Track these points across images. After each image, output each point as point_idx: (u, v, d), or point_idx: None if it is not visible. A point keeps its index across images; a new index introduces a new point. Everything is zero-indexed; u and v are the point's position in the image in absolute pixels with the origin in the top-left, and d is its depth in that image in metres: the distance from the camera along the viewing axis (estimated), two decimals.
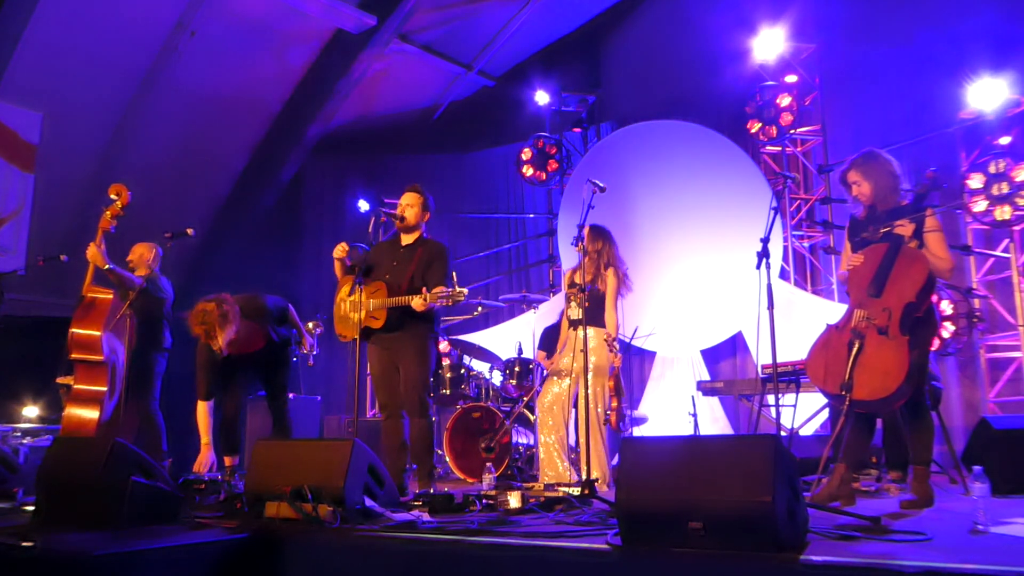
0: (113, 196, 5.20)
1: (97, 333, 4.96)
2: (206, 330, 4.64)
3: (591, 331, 4.87)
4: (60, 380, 5.14)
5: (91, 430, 4.86)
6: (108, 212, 5.17)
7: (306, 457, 3.49)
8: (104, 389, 4.98)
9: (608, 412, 4.85)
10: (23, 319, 7.61)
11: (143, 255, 5.58)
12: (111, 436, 4.51)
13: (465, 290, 4.40)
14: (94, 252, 5.04)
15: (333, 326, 4.84)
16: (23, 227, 8.02)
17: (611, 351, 4.92)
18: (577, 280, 4.94)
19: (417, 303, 4.37)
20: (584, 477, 4.01)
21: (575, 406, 5.08)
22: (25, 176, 7.99)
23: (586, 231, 4.99)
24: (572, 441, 5.31)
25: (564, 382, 5.10)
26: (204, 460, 4.78)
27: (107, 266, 5.05)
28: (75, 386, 4.96)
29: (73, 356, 4.97)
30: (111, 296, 5.09)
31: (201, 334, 4.68)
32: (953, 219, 6.60)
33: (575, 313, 5.06)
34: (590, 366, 4.89)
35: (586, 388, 4.45)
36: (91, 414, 4.91)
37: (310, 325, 6.52)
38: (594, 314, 4.96)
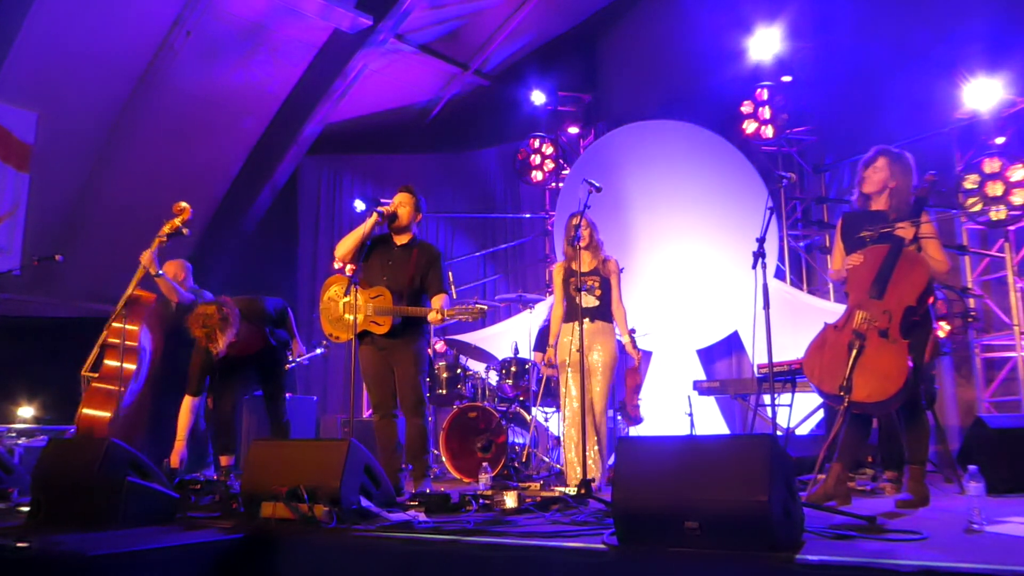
0: (176, 212, 5.40)
1: (135, 328, 5.26)
2: (207, 333, 4.66)
3: (601, 325, 4.87)
4: (86, 372, 5.22)
5: (111, 409, 5.05)
6: (167, 225, 5.36)
7: (302, 457, 3.49)
8: (132, 368, 5.21)
9: (624, 402, 4.83)
10: (18, 319, 7.59)
11: (176, 274, 5.73)
12: (121, 433, 4.75)
13: (484, 306, 4.47)
14: (149, 259, 5.25)
15: (322, 326, 4.81)
16: (18, 227, 8.00)
17: (635, 346, 4.95)
18: (575, 268, 4.87)
19: (434, 318, 4.40)
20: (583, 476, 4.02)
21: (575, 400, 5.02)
22: (20, 176, 7.97)
23: (584, 221, 4.94)
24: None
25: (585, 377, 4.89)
26: (177, 453, 4.84)
27: (157, 272, 5.28)
28: (107, 362, 5.17)
29: (110, 340, 5.20)
30: (155, 298, 5.38)
31: (202, 337, 4.70)
32: (948, 219, 6.62)
33: (588, 301, 4.88)
34: (599, 362, 4.87)
35: (582, 384, 4.45)
36: (113, 394, 5.10)
37: (318, 350, 6.51)
38: (606, 305, 4.93)
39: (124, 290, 5.34)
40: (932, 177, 3.80)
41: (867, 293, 3.65)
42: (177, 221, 5.35)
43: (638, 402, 5.52)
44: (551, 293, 8.89)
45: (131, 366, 5.22)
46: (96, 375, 5.17)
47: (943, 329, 6.25)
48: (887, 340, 3.53)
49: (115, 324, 5.21)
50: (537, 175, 9.36)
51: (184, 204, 5.41)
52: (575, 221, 4.84)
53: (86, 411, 5.05)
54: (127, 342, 5.19)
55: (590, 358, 4.78)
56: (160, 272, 5.30)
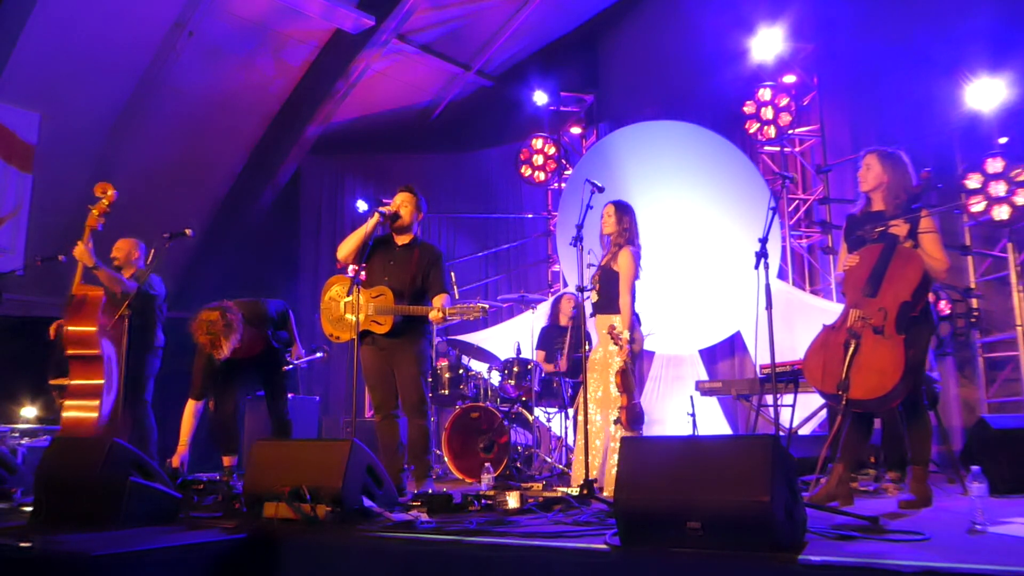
0: (99, 194, 5.21)
1: (92, 328, 4.95)
2: (211, 340, 4.65)
3: (602, 319, 4.67)
4: (53, 382, 5.11)
5: (91, 426, 4.84)
6: (95, 210, 5.18)
7: (304, 457, 3.49)
8: (102, 382, 4.96)
9: (618, 411, 4.46)
10: (21, 319, 7.60)
11: (130, 253, 5.55)
12: (110, 436, 4.56)
13: (485, 304, 4.45)
14: (82, 251, 5.05)
15: (322, 326, 4.81)
16: (21, 227, 8.01)
17: (616, 344, 4.42)
18: (602, 264, 4.80)
19: (435, 317, 4.39)
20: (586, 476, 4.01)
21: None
22: (23, 176, 7.98)
23: (612, 208, 4.79)
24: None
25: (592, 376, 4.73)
26: (179, 455, 4.83)
27: (94, 264, 5.07)
28: (73, 382, 4.94)
29: (69, 352, 4.95)
30: (102, 293, 5.10)
31: (206, 344, 4.68)
32: (951, 219, 6.61)
33: (592, 297, 4.75)
34: (608, 359, 4.66)
35: (585, 385, 4.43)
36: (91, 409, 4.89)
37: (317, 354, 6.47)
38: (608, 299, 4.66)
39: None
40: (927, 174, 3.81)
41: (862, 292, 3.66)
42: (104, 203, 5.18)
43: (628, 405, 4.93)
44: (553, 293, 8.89)
45: (99, 381, 4.93)
46: (64, 380, 4.99)
47: (946, 329, 6.24)
48: (882, 337, 3.53)
49: (70, 328, 4.94)
50: (539, 175, 9.36)
51: (106, 184, 5.19)
52: (604, 218, 4.76)
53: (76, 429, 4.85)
54: (88, 351, 4.93)
55: (601, 356, 4.70)
56: (98, 263, 5.08)
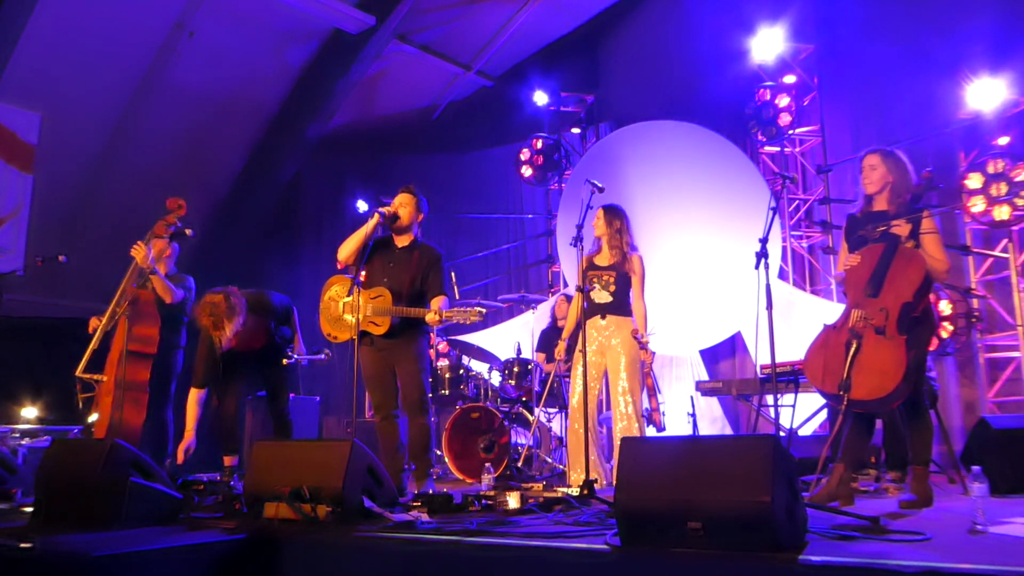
0: (172, 207, 5.26)
1: (155, 328, 5.07)
2: (214, 322, 4.68)
3: (616, 320, 4.70)
4: (83, 375, 5.09)
5: (140, 422, 4.93)
6: (163, 223, 5.23)
7: (305, 458, 3.49)
8: (146, 375, 5.08)
9: (651, 411, 4.61)
10: (22, 320, 7.61)
11: (163, 251, 5.51)
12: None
13: (482, 309, 4.45)
14: (144, 255, 5.05)
15: (321, 326, 4.80)
16: (21, 227, 8.02)
17: (641, 347, 4.62)
18: (598, 263, 4.82)
19: (432, 319, 4.39)
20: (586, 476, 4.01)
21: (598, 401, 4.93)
22: (24, 176, 7.99)
23: (601, 212, 4.90)
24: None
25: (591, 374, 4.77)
26: (185, 443, 4.84)
27: (151, 269, 5.12)
28: (127, 378, 5.00)
29: (130, 349, 5.00)
30: (152, 296, 5.18)
31: (208, 325, 4.71)
32: (952, 219, 6.60)
33: (602, 297, 4.80)
34: (622, 361, 4.76)
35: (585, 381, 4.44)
36: (141, 405, 4.99)
37: (321, 354, 6.44)
38: (622, 300, 4.77)
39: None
40: (928, 174, 3.81)
41: (863, 292, 3.66)
42: (173, 217, 5.25)
43: (658, 406, 5.15)
44: (553, 293, 8.88)
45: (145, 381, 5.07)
46: (100, 377, 5.06)
47: (946, 329, 6.24)
48: (884, 337, 3.53)
49: (136, 328, 5.03)
50: (540, 175, 9.35)
51: (180, 200, 5.27)
52: (594, 220, 4.80)
53: (127, 421, 4.91)
54: (148, 350, 5.07)
55: (609, 355, 4.71)
56: (155, 270, 5.15)
